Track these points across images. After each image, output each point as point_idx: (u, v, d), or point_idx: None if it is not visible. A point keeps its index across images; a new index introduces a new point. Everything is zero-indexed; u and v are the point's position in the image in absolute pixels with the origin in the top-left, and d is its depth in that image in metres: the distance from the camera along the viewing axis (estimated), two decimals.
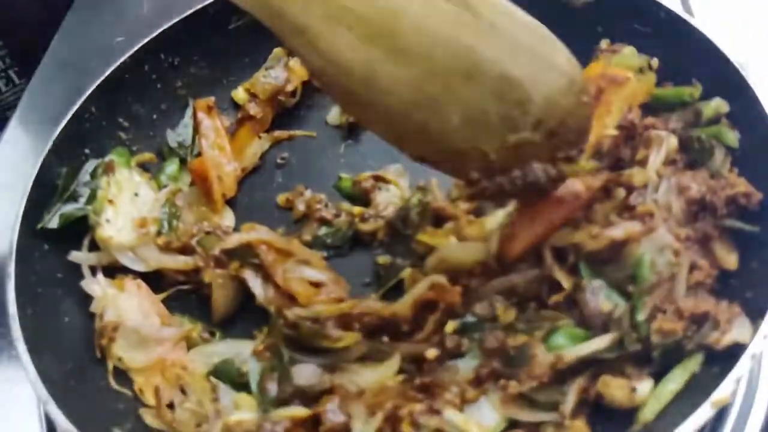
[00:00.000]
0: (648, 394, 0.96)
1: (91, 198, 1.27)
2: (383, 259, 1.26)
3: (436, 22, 0.93)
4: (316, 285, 1.18)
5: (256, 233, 1.21)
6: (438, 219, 1.27)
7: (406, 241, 1.26)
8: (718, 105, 1.18)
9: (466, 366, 1.07)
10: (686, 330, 0.98)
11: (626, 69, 1.25)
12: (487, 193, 1.00)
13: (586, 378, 1.01)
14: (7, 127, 1.76)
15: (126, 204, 1.28)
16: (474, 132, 0.96)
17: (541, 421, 1.00)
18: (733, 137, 1.15)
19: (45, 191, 1.26)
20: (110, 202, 1.26)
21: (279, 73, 1.45)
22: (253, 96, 1.49)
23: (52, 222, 1.23)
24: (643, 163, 1.16)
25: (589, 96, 1.02)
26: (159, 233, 1.26)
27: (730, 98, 1.17)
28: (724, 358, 0.93)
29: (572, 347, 1.02)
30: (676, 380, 0.96)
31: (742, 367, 0.87)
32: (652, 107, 1.24)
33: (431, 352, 1.08)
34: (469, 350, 1.08)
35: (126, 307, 1.18)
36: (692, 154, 1.17)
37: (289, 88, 1.48)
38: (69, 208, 1.26)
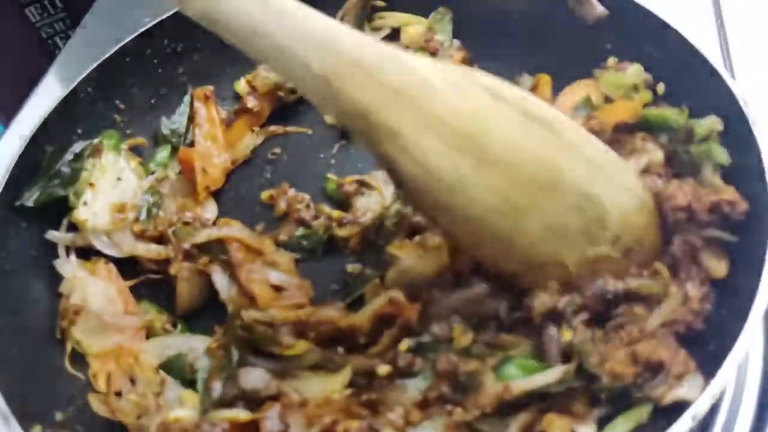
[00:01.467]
0: None
1: (73, 179, 1.28)
2: (352, 267, 1.24)
3: (522, 136, 0.96)
4: (279, 289, 1.17)
5: (228, 229, 1.21)
6: (414, 231, 1.24)
7: (379, 251, 1.24)
8: (711, 123, 1.13)
9: (416, 387, 1.04)
10: (637, 377, 0.93)
11: (616, 87, 1.20)
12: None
13: (532, 413, 0.97)
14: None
15: (107, 188, 1.28)
16: (556, 243, 0.99)
17: None
18: (723, 154, 1.10)
19: (29, 168, 1.27)
20: (90, 185, 1.27)
21: None
22: (252, 89, 1.48)
23: (31, 200, 1.25)
24: None
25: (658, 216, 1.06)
26: (136, 220, 1.26)
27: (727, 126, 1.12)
28: (673, 413, 0.88)
29: (521, 379, 0.99)
30: (618, 429, 0.92)
31: (680, 428, 0.83)
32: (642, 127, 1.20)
33: (383, 369, 1.06)
34: (421, 371, 1.06)
35: (92, 291, 1.19)
36: (679, 168, 1.13)
37: (290, 84, 1.47)
38: (50, 187, 1.27)
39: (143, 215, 1.27)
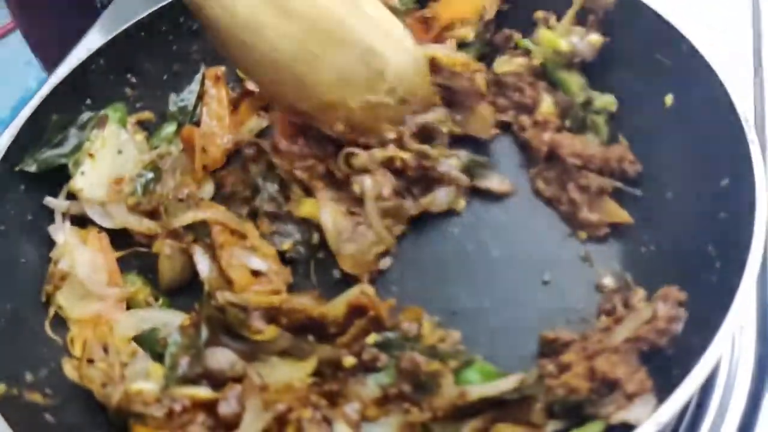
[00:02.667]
0: None
1: (76, 149, 1.31)
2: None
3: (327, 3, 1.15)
4: (258, 274, 1.18)
5: (212, 212, 1.22)
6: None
7: None
8: (607, 102, 1.28)
9: (377, 382, 1.04)
10: (591, 392, 0.92)
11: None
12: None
13: (485, 420, 0.96)
14: None
15: (107, 160, 1.31)
16: (343, 89, 1.20)
17: None
18: (605, 133, 1.27)
19: (34, 135, 1.31)
20: (90, 155, 1.30)
21: None
22: None
23: (32, 166, 1.28)
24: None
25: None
26: (132, 193, 1.29)
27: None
28: None
29: (478, 385, 0.98)
30: None
31: None
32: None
33: (348, 360, 1.06)
34: (385, 367, 1.06)
35: (79, 259, 1.22)
36: (574, 124, 1.29)
37: None
38: (51, 155, 1.30)
39: (139, 189, 1.29)
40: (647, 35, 1.24)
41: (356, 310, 1.10)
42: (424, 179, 1.22)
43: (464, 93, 1.28)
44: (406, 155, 1.21)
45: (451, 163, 1.23)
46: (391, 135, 1.23)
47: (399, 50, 1.22)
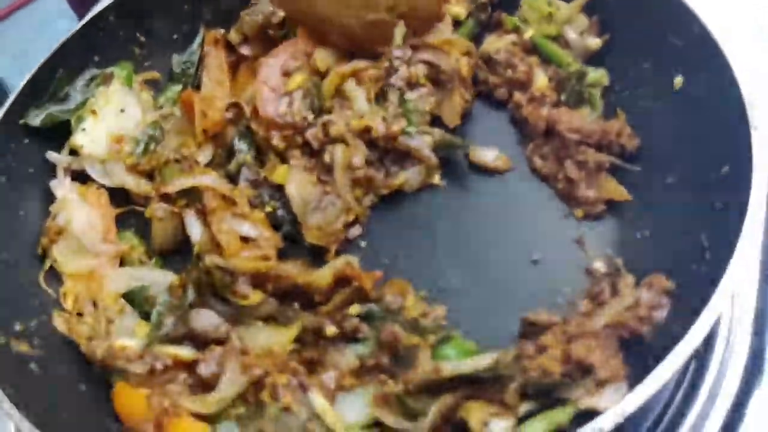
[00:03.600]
0: None
1: (80, 105, 1.32)
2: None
3: None
4: (247, 240, 1.18)
5: (206, 177, 1.22)
6: None
7: None
8: (600, 76, 1.25)
9: (357, 353, 1.05)
10: (564, 376, 0.91)
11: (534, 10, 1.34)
12: None
13: (458, 397, 0.96)
14: None
15: (109, 118, 1.32)
16: (339, 6, 1.25)
17: (403, 429, 0.97)
18: (599, 108, 1.24)
19: (40, 89, 1.32)
20: (93, 112, 1.31)
21: (264, 7, 1.39)
22: (244, 38, 1.45)
23: (36, 120, 1.30)
24: None
25: None
26: (132, 153, 1.30)
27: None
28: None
29: (453, 362, 0.98)
30: (536, 428, 0.90)
31: None
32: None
33: (330, 329, 1.06)
34: (366, 338, 1.06)
35: (77, 215, 1.24)
36: (569, 98, 1.26)
37: (275, 19, 1.40)
38: (55, 110, 1.32)
39: (140, 149, 1.30)
40: (660, 15, 1.20)
41: (342, 280, 1.10)
42: (396, 152, 1.21)
43: (448, 75, 1.26)
44: (376, 123, 1.20)
45: (425, 139, 1.21)
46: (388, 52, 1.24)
47: None
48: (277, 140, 1.22)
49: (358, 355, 1.04)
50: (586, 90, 1.26)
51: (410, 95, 1.23)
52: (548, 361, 0.92)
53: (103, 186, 1.30)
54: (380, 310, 1.07)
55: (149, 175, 1.29)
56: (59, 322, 1.13)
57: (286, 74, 1.31)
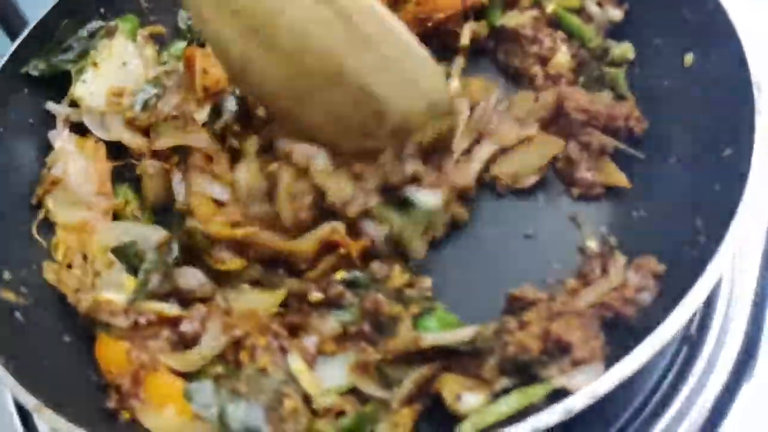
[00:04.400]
0: (472, 407, 0.89)
1: (81, 56, 1.31)
2: None
3: (311, 26, 0.99)
4: (221, 204, 1.16)
5: (195, 137, 1.21)
6: None
7: None
8: (625, 50, 1.21)
9: (339, 319, 1.04)
10: (542, 353, 0.89)
11: None
12: None
13: (435, 369, 0.95)
14: None
15: (110, 71, 1.31)
16: (334, 131, 1.08)
17: (379, 397, 0.96)
18: (625, 87, 1.20)
19: (43, 39, 1.31)
20: (94, 64, 1.30)
21: None
22: None
23: (36, 69, 1.29)
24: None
25: (453, 119, 1.11)
26: (131, 108, 1.29)
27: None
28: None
29: (433, 333, 0.97)
30: (509, 404, 0.88)
31: (549, 418, 0.78)
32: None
33: (315, 295, 1.06)
34: (349, 305, 1.05)
35: (72, 166, 1.24)
36: (587, 80, 1.23)
37: None
38: (56, 60, 1.31)
39: (139, 104, 1.29)
40: None
41: (327, 247, 1.09)
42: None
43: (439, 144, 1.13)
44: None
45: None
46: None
47: (407, 90, 1.04)
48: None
49: (341, 321, 1.03)
50: (607, 72, 1.22)
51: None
52: (527, 337, 0.90)
53: (100, 139, 1.30)
54: (366, 278, 1.06)
55: (146, 131, 1.28)
56: (49, 273, 1.13)
57: None
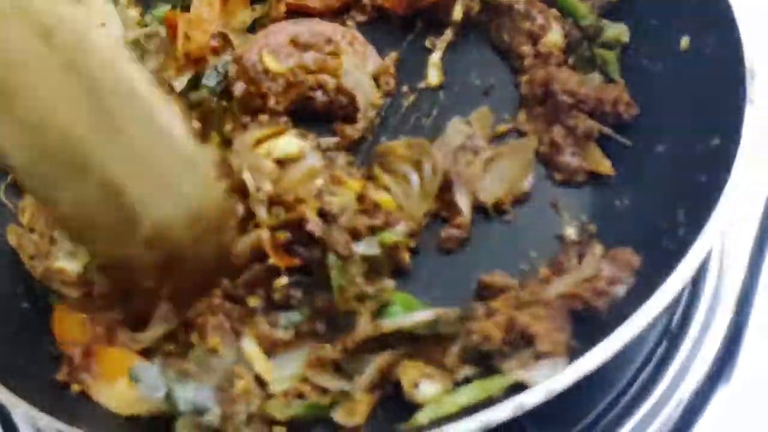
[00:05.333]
0: (430, 396, 0.86)
1: None
2: None
3: (56, 100, 0.83)
4: None
5: None
6: None
7: None
8: (620, 32, 1.16)
9: (289, 320, 0.97)
10: (504, 344, 0.86)
11: None
12: None
13: (397, 355, 0.92)
14: None
15: None
16: (82, 232, 0.93)
17: (338, 389, 0.92)
18: (617, 71, 1.14)
19: None
20: None
21: None
22: None
23: None
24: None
25: (221, 232, 0.95)
26: None
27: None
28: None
29: (394, 318, 0.93)
30: (468, 395, 0.85)
31: (499, 414, 0.75)
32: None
33: (252, 300, 0.97)
34: (300, 305, 0.97)
35: None
36: (577, 62, 1.18)
37: None
38: None
39: None
40: None
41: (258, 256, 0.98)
42: None
43: None
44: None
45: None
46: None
47: (163, 194, 0.90)
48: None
49: (291, 322, 0.96)
50: (599, 53, 1.17)
51: None
52: (491, 326, 0.87)
53: None
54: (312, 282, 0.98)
55: None
56: (12, 236, 1.10)
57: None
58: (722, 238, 1.12)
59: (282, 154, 1.06)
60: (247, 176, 1.00)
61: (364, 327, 0.93)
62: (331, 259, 0.94)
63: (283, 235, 0.96)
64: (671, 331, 1.07)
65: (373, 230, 0.99)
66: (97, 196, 0.87)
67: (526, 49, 1.19)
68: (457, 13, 1.27)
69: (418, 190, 1.05)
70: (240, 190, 0.99)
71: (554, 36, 1.19)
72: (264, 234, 0.96)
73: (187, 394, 0.87)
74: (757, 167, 0.93)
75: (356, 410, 0.89)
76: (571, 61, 1.18)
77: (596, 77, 1.15)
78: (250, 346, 0.94)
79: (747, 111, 0.90)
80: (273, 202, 1.00)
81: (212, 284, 0.96)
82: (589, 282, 0.90)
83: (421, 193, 1.06)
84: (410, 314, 0.92)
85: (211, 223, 0.94)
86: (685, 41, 1.08)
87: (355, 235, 0.97)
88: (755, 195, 1.14)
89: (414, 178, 1.05)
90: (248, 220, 0.99)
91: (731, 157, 0.88)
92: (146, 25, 1.35)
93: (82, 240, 0.96)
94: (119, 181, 0.86)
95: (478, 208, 1.07)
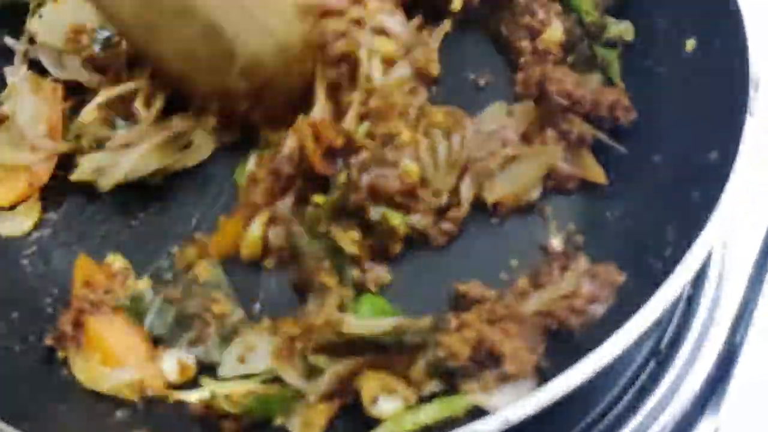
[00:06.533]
0: (388, 413, 0.82)
1: None
2: None
3: None
4: None
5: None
6: None
7: None
8: (624, 29, 1.10)
9: None
10: (470, 361, 0.81)
11: None
12: None
13: (359, 363, 0.87)
14: None
15: (68, 5, 1.21)
16: (185, 67, 1.04)
17: (297, 387, 0.89)
18: (617, 72, 1.09)
19: None
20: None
21: None
22: None
23: None
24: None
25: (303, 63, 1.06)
26: (89, 46, 1.20)
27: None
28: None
29: (359, 320, 0.89)
30: (428, 414, 0.81)
31: None
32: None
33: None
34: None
35: (25, 104, 1.16)
36: (576, 60, 1.12)
37: None
38: None
39: (99, 43, 1.20)
40: None
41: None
42: None
43: None
44: None
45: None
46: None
47: (255, 29, 1.01)
48: None
49: None
50: (600, 53, 1.11)
51: None
52: (458, 341, 0.82)
53: (58, 80, 1.22)
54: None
55: (103, 69, 1.19)
56: None
57: None
58: (723, 250, 1.06)
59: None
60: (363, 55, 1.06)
61: (330, 311, 0.90)
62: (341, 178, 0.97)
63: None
64: (660, 351, 1.02)
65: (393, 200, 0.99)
66: (199, 36, 0.99)
67: (525, 44, 1.13)
68: (457, 3, 1.21)
69: (445, 160, 1.01)
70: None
71: (554, 32, 1.12)
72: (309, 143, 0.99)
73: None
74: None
75: (313, 422, 0.85)
76: (570, 60, 1.12)
77: (595, 78, 1.09)
78: None
79: (747, 125, 0.83)
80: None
81: (295, 111, 1.04)
82: (567, 299, 0.85)
83: (446, 166, 1.02)
84: (375, 320, 0.87)
85: (295, 55, 1.05)
86: (690, 43, 1.01)
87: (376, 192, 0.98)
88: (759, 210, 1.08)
89: (441, 148, 1.02)
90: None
91: (726, 175, 0.82)
92: None
93: (185, 78, 1.06)
94: (219, 20, 0.98)
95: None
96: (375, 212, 0.97)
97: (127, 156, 1.08)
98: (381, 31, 1.10)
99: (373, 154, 0.99)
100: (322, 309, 0.91)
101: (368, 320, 0.88)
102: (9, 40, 1.23)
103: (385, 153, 0.99)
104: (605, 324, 0.83)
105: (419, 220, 1.00)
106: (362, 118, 1.04)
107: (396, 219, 0.98)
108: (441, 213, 1.01)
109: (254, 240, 1.01)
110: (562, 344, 0.84)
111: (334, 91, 1.07)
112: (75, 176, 1.09)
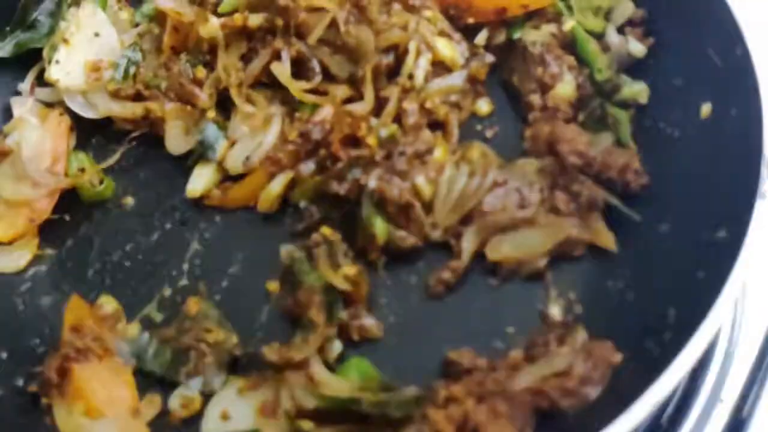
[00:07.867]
0: None
1: (51, 30, 1.24)
2: None
3: None
4: None
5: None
6: None
7: None
8: (639, 91, 1.06)
9: None
10: None
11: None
12: None
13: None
14: None
15: (83, 44, 1.21)
16: None
17: None
18: (627, 134, 1.04)
19: (5, 18, 1.25)
20: (65, 41, 1.20)
21: None
22: None
23: (5, 50, 1.24)
24: None
25: None
26: (112, 79, 1.19)
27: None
28: None
29: (330, 377, 0.88)
30: None
31: None
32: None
33: None
34: None
35: (30, 138, 1.16)
36: (587, 117, 1.08)
37: None
38: (24, 37, 1.24)
39: (119, 74, 1.19)
40: (704, 22, 1.00)
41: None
42: None
43: None
44: None
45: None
46: None
47: None
48: None
49: None
50: (612, 112, 1.07)
51: None
52: (443, 419, 0.79)
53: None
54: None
55: (134, 98, 1.18)
56: None
57: None
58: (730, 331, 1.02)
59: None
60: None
61: (309, 347, 0.90)
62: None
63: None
64: (661, 426, 0.98)
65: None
66: None
67: (535, 99, 1.10)
68: (481, 39, 1.18)
69: (455, 198, 1.01)
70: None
71: (565, 88, 1.09)
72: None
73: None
74: None
75: None
76: (580, 117, 1.08)
77: (606, 138, 1.05)
78: None
79: (757, 207, 0.79)
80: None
81: None
82: (560, 377, 0.81)
83: (454, 204, 1.01)
84: (357, 383, 0.85)
85: None
86: (706, 108, 0.98)
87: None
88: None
89: (459, 184, 1.01)
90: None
91: (733, 257, 0.78)
92: (137, 24, 1.29)
93: None
94: None
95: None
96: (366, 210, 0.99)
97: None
98: (444, 34, 1.12)
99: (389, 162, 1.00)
100: (305, 346, 0.90)
101: (349, 383, 0.85)
102: (24, 87, 1.24)
103: (401, 163, 1.00)
104: (597, 408, 0.80)
105: (406, 237, 0.99)
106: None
107: (379, 228, 0.99)
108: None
109: (273, 196, 1.05)
110: (551, 428, 0.81)
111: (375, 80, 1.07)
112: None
